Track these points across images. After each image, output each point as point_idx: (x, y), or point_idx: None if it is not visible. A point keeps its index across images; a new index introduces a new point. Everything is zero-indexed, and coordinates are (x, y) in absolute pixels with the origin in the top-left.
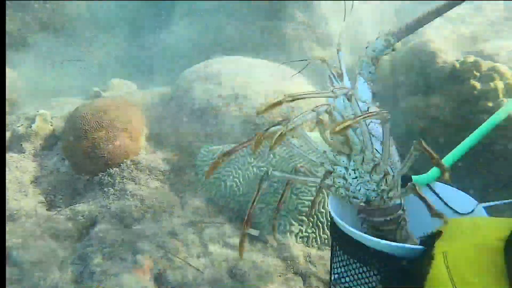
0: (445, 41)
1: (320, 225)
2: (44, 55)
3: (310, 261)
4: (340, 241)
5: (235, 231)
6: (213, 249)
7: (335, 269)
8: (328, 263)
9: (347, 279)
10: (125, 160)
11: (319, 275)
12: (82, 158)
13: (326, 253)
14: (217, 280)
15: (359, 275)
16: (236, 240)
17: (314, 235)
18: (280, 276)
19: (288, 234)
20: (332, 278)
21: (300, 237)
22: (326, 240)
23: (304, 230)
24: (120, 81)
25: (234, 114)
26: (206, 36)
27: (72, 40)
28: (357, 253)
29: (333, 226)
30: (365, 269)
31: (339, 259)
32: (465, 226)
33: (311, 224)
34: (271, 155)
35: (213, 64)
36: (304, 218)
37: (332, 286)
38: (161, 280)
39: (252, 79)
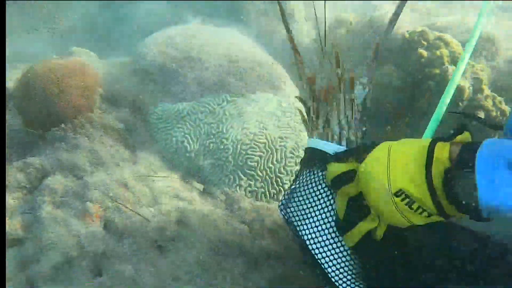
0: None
1: (269, 180)
2: (11, 23)
3: (257, 212)
4: (305, 161)
5: (185, 185)
6: (162, 201)
7: (288, 192)
8: (275, 212)
9: (298, 190)
10: (78, 117)
11: (265, 223)
12: (35, 114)
13: (274, 205)
14: (164, 228)
15: (308, 180)
16: (186, 194)
17: (263, 190)
18: (226, 224)
19: (238, 188)
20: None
21: (249, 191)
22: (275, 195)
23: (253, 184)
24: (81, 50)
25: (187, 76)
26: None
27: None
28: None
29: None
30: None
31: (297, 179)
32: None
33: (260, 179)
34: (221, 113)
35: (172, 30)
36: (253, 173)
37: (281, 206)
38: (109, 227)
39: (208, 43)
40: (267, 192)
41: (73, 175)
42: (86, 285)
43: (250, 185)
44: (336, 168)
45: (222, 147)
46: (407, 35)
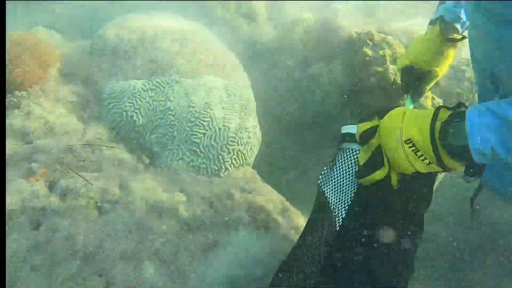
0: (353, 17)
1: (211, 157)
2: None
3: (196, 184)
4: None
5: (131, 156)
6: (107, 167)
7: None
8: (215, 187)
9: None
10: (33, 86)
11: (201, 193)
12: None
13: (213, 179)
14: (105, 191)
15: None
16: (130, 163)
17: (205, 166)
18: (165, 191)
19: (180, 162)
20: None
21: (192, 166)
22: (216, 171)
23: (195, 160)
24: (44, 29)
25: (139, 55)
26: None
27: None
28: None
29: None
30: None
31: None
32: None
33: (202, 155)
34: (170, 91)
35: (132, 15)
36: (196, 149)
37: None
38: (53, 187)
39: (162, 26)
40: (209, 168)
41: (23, 139)
42: (22, 235)
43: (192, 160)
44: (363, 126)
45: (169, 123)
46: (354, 35)
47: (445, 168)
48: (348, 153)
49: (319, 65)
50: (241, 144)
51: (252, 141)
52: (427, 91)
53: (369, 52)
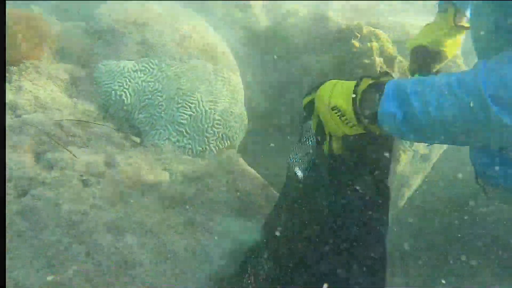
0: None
1: (197, 138)
2: None
3: (181, 163)
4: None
5: (119, 134)
6: (94, 143)
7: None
8: (199, 167)
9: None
10: (24, 61)
11: (185, 172)
12: None
13: (197, 160)
14: (91, 165)
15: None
16: (118, 141)
17: (190, 146)
18: (150, 168)
19: (167, 141)
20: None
21: (177, 146)
22: (201, 153)
23: (181, 140)
24: (40, 9)
25: (132, 37)
26: None
27: None
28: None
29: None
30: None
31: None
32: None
33: (188, 136)
34: (159, 73)
35: (128, 1)
36: (182, 130)
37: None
38: (40, 159)
39: (156, 13)
40: (194, 149)
41: (13, 113)
42: (8, 202)
43: (178, 141)
44: (305, 100)
45: (156, 103)
46: (343, 27)
47: (368, 131)
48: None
49: (310, 56)
50: (227, 127)
51: (238, 125)
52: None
53: (357, 44)
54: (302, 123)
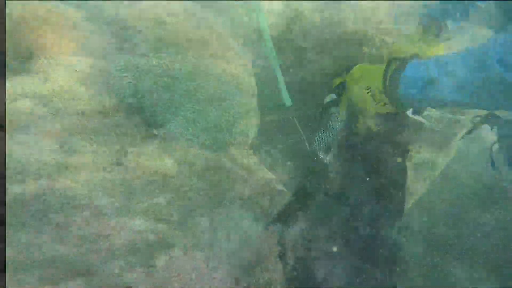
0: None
1: (212, 131)
2: None
3: (193, 155)
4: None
5: (134, 124)
6: (109, 133)
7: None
8: (210, 161)
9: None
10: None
11: (198, 165)
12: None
13: (211, 153)
14: (106, 153)
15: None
16: (132, 132)
17: (204, 139)
18: (162, 160)
19: (182, 133)
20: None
21: (189, 139)
22: (214, 146)
23: (196, 132)
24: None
25: (148, 31)
26: None
27: None
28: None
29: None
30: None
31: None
32: None
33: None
34: (177, 65)
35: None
36: (198, 122)
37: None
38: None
39: (171, 9)
40: (208, 142)
41: (41, 102)
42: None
43: (193, 134)
44: (336, 81)
45: (173, 95)
46: (351, 31)
47: (398, 109)
48: (330, 114)
49: (315, 57)
50: (241, 122)
51: (252, 121)
52: None
53: (365, 49)
54: (324, 111)
